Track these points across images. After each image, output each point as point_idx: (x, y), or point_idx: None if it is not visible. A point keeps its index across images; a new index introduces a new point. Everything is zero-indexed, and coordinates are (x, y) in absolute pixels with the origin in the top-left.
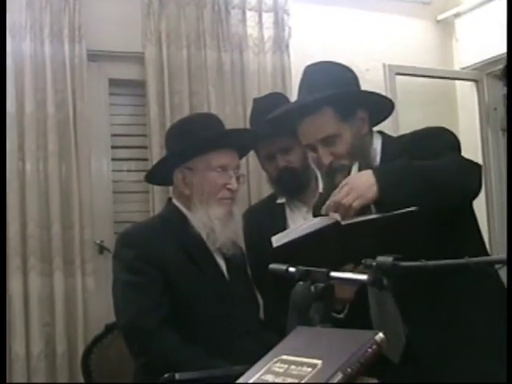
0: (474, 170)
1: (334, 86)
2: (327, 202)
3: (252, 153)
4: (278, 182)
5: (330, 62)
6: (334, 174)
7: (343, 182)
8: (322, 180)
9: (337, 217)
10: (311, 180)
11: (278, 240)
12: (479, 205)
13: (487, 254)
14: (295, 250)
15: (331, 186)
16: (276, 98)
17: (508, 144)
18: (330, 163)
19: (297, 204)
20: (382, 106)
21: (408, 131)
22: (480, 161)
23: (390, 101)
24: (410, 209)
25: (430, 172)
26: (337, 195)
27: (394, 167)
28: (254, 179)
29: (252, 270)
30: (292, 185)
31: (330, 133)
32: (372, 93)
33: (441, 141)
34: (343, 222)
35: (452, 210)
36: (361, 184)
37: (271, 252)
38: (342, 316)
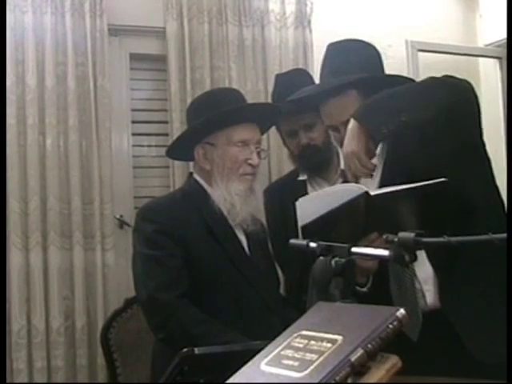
0: (446, 84)
1: (358, 67)
2: None
3: (273, 128)
4: (300, 159)
5: (353, 40)
6: None
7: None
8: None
9: (365, 187)
10: (333, 157)
11: (301, 205)
12: (502, 183)
13: None
14: (324, 223)
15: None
16: (298, 75)
17: (508, 140)
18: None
19: (318, 181)
20: (404, 84)
21: None
22: (503, 139)
23: (414, 81)
24: (439, 180)
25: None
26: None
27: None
28: (274, 155)
29: (273, 245)
30: (314, 162)
31: None
32: (397, 76)
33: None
34: (372, 193)
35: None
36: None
37: (302, 228)
38: (365, 290)
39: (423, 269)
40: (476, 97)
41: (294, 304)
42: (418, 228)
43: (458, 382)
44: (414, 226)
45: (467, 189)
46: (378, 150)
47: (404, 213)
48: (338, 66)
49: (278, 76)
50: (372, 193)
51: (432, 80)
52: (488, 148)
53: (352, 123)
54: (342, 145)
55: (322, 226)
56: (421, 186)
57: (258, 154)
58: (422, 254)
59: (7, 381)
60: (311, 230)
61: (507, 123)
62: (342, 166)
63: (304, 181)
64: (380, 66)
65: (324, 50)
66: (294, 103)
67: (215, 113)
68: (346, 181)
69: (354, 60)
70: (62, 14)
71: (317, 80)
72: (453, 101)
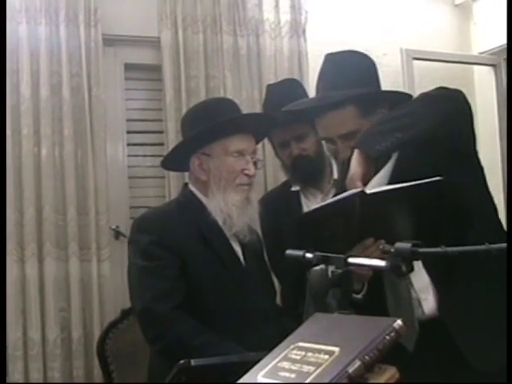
0: (438, 98)
1: (355, 81)
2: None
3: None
4: (292, 170)
5: (350, 51)
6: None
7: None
8: (337, 169)
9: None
10: (325, 167)
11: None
12: (497, 190)
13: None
14: (318, 216)
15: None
16: (290, 85)
17: (508, 141)
18: (348, 157)
19: (312, 191)
20: (401, 100)
21: None
22: (498, 145)
23: (410, 96)
24: (434, 179)
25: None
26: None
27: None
28: (270, 164)
29: (269, 256)
30: (307, 172)
31: (352, 129)
32: (394, 92)
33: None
34: (368, 191)
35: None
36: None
37: (296, 222)
38: (360, 296)
39: (419, 277)
40: (469, 106)
41: (290, 314)
42: (413, 233)
43: None
44: (410, 230)
45: (462, 197)
46: (386, 167)
47: (400, 214)
48: (335, 78)
49: (269, 86)
50: (368, 191)
51: (424, 96)
52: (483, 154)
53: (355, 151)
54: (336, 157)
55: (315, 219)
56: (416, 185)
57: (255, 163)
58: (418, 263)
59: None
60: (305, 224)
61: (507, 126)
62: (335, 175)
63: (297, 191)
64: (376, 78)
65: (319, 58)
66: (286, 114)
67: (211, 124)
68: (338, 191)
69: (351, 73)
70: (56, 24)
71: (310, 90)
72: (446, 114)
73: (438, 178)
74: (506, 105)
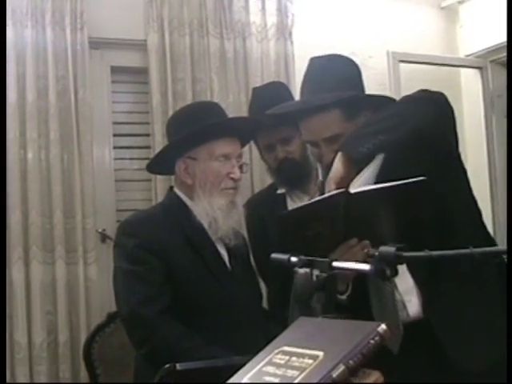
0: (421, 100)
1: (340, 85)
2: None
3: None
4: (278, 173)
5: (335, 55)
6: None
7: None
8: (322, 172)
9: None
10: (311, 169)
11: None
12: (484, 193)
13: (494, 244)
14: (303, 219)
15: None
16: (276, 88)
17: (508, 140)
18: (332, 160)
19: (298, 194)
20: (385, 103)
21: None
22: (484, 147)
23: (394, 100)
24: (418, 178)
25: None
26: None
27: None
28: (257, 167)
29: (255, 259)
30: (292, 175)
31: (336, 132)
32: (379, 96)
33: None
34: (352, 191)
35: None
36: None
37: (279, 219)
38: (344, 297)
39: (404, 279)
40: (451, 108)
41: (276, 317)
42: (397, 234)
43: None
44: (394, 231)
45: (445, 199)
46: (372, 169)
47: (384, 215)
48: (319, 82)
49: (255, 89)
50: (352, 191)
51: (407, 98)
52: (470, 157)
53: (338, 153)
54: (320, 160)
55: (298, 219)
56: (400, 185)
57: (240, 167)
58: (402, 265)
59: None
60: (286, 223)
61: (507, 126)
62: (321, 177)
63: (283, 194)
64: (360, 82)
65: (306, 61)
66: (271, 117)
67: (196, 127)
68: (321, 194)
69: (336, 76)
70: (42, 27)
71: (295, 93)
72: (429, 116)
73: (421, 178)
74: (506, 105)
